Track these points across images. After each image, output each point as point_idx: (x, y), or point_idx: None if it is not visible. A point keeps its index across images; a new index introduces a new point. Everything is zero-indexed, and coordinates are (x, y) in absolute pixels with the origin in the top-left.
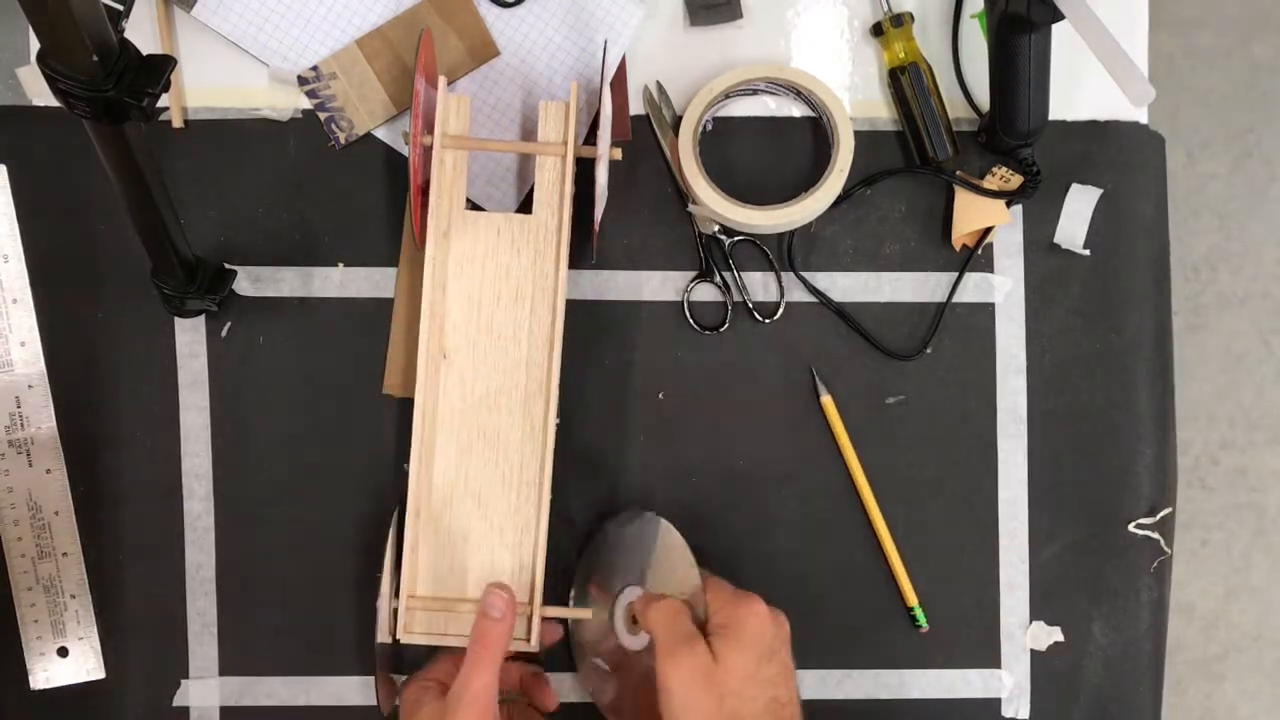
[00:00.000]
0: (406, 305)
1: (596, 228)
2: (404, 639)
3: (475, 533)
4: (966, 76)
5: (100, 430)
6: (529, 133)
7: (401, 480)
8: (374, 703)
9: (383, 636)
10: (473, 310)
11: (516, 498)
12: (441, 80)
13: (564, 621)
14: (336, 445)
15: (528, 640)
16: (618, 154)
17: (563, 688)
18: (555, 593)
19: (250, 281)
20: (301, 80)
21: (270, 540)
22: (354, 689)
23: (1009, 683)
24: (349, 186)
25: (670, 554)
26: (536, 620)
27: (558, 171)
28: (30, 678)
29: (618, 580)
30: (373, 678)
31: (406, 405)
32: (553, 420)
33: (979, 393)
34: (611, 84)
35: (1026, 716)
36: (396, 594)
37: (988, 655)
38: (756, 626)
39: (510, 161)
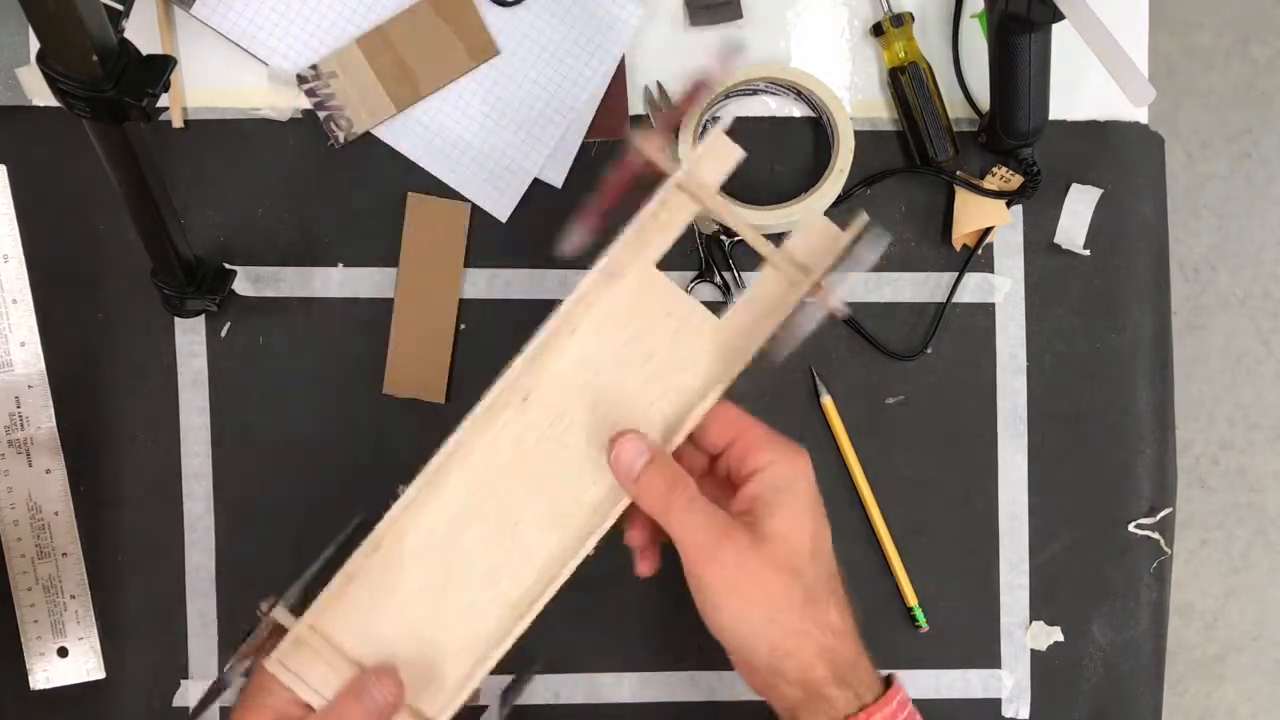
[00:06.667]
0: (406, 305)
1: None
2: (270, 668)
3: (426, 607)
4: (966, 76)
5: (100, 430)
6: (530, 131)
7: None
8: None
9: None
10: (584, 371)
11: (495, 591)
12: (721, 123)
13: None
14: (336, 445)
15: None
16: (842, 309)
17: (565, 687)
18: None
19: (250, 281)
20: (301, 79)
21: (270, 540)
22: None
23: (1009, 683)
24: (349, 186)
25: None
26: None
27: (787, 292)
28: (30, 678)
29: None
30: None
31: (407, 405)
32: (591, 544)
33: (979, 393)
34: (610, 84)
35: (1026, 716)
36: (294, 609)
37: (988, 655)
38: (809, 486)
39: (511, 163)
